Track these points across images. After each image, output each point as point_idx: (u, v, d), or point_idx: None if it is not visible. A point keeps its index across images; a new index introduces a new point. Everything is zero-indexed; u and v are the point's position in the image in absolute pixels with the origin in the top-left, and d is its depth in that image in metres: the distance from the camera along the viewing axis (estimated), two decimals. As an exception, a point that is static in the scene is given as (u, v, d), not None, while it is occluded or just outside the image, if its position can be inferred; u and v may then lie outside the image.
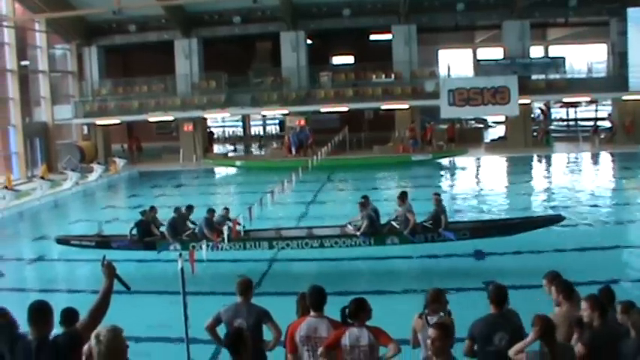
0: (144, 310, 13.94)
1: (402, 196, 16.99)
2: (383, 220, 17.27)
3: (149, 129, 53.15)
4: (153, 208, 18.57)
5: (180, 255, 9.76)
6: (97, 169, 36.94)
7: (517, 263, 16.08)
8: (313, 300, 7.22)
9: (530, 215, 20.38)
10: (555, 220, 17.88)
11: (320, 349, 6.97)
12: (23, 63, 40.78)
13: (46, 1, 39.62)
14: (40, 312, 5.88)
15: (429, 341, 6.07)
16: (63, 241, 18.88)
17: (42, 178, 32.85)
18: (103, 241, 18.30)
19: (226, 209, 18.55)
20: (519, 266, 15.62)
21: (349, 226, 17.23)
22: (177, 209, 18.09)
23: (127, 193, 35.70)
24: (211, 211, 17.68)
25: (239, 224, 17.62)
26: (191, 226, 18.05)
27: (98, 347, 5.09)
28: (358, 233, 16.73)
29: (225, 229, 17.11)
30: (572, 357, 6.47)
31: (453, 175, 36.46)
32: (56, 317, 6.57)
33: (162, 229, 17.80)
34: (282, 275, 16.52)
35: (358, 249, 16.91)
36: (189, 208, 18.56)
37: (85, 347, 5.58)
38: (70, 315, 7.28)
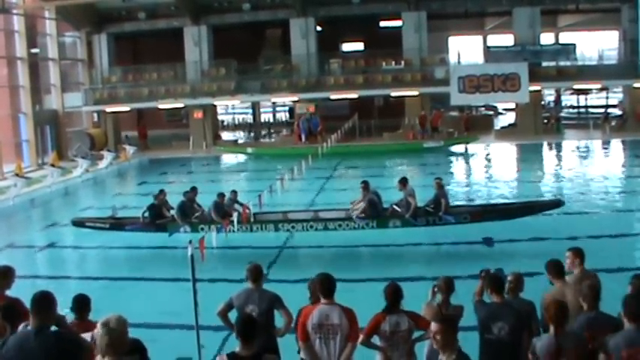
0: (154, 296, 14.02)
1: (403, 181, 17.37)
2: (385, 205, 17.46)
3: (159, 116, 53.14)
4: (162, 192, 19.05)
5: (190, 242, 9.77)
6: (107, 156, 37.01)
7: (526, 250, 16.05)
8: (323, 287, 7.22)
9: (530, 200, 20.41)
10: (555, 204, 18.08)
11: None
12: (33, 51, 40.79)
13: (55, -12, 39.67)
14: (41, 302, 5.87)
15: (432, 335, 6.10)
16: (78, 223, 19.59)
17: (52, 165, 32.93)
18: (117, 223, 18.84)
19: (234, 192, 18.75)
20: (529, 253, 15.58)
21: (351, 207, 17.43)
22: (185, 193, 18.37)
23: (137, 181, 35.78)
24: (221, 196, 17.91)
25: (249, 209, 17.73)
26: (198, 207, 18.29)
27: (107, 333, 5.12)
28: (353, 215, 16.92)
29: (235, 215, 17.23)
30: (579, 345, 6.40)
31: (463, 161, 36.38)
32: (66, 304, 6.61)
33: (173, 212, 18.07)
34: (293, 261, 16.57)
35: (365, 235, 16.99)
36: (194, 189, 18.86)
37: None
38: (82, 302, 7.27)
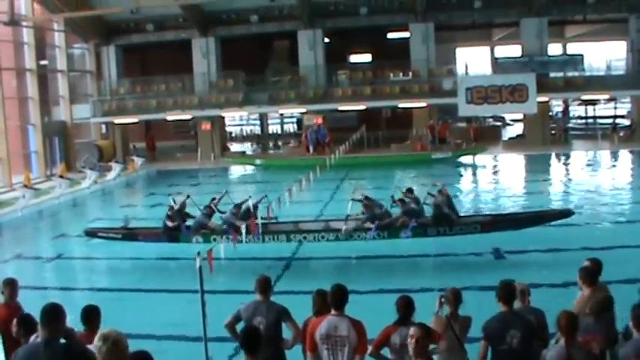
0: (162, 307, 14.02)
1: (403, 199, 17.28)
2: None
3: (167, 128, 53.27)
4: (187, 197, 19.05)
5: (199, 253, 9.77)
6: (116, 167, 37.06)
7: (536, 260, 16.01)
8: (336, 299, 7.19)
9: (540, 210, 20.38)
10: (564, 214, 18.06)
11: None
12: (42, 62, 40.95)
13: (64, 1, 39.80)
14: (50, 314, 5.88)
15: (410, 339, 6.15)
16: (91, 233, 19.79)
17: (61, 176, 32.97)
18: (130, 234, 18.83)
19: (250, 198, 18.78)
20: (539, 264, 15.55)
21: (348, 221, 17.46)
22: (205, 208, 18.28)
23: (145, 192, 35.80)
24: (237, 207, 17.89)
25: (257, 222, 17.70)
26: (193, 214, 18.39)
27: (106, 346, 5.15)
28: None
29: (243, 226, 17.23)
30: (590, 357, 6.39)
31: (472, 172, 36.32)
32: (76, 315, 6.61)
33: (189, 222, 18.09)
34: (301, 272, 16.55)
35: (375, 246, 16.97)
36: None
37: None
38: (91, 313, 7.25)
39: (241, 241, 17.24)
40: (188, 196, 19.26)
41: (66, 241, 22.65)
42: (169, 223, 18.08)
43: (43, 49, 41.43)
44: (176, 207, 18.40)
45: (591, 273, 7.98)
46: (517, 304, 7.48)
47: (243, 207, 18.05)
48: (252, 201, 18.34)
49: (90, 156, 41.77)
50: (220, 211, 18.47)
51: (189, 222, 18.34)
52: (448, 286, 8.39)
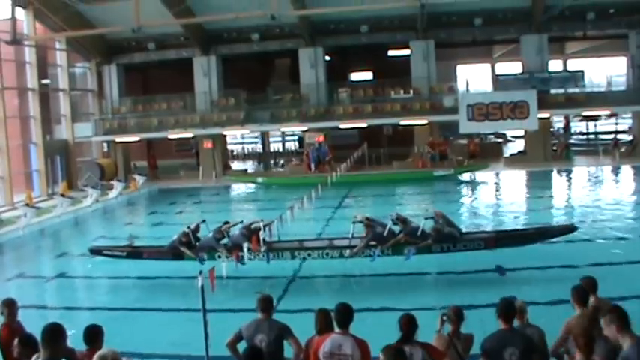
0: (165, 326, 13.99)
1: (402, 220, 17.24)
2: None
3: (169, 146, 53.37)
4: (203, 221, 18.84)
5: (200, 272, 9.76)
6: (117, 186, 37.04)
7: (539, 278, 15.97)
8: (341, 317, 7.22)
9: (544, 225, 20.35)
10: (568, 230, 17.97)
11: None
12: (44, 81, 41.01)
13: (66, 20, 40.00)
14: (51, 334, 5.88)
15: None
16: (96, 251, 19.65)
17: (62, 195, 33.00)
18: (135, 252, 18.76)
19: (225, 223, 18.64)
20: (541, 281, 15.52)
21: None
22: (216, 229, 18.14)
23: (147, 211, 35.78)
24: (247, 228, 17.78)
25: (259, 243, 17.60)
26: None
27: None
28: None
29: (245, 245, 17.17)
30: None
31: (474, 189, 36.28)
32: (78, 335, 6.59)
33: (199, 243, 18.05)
34: (303, 290, 16.51)
35: (377, 263, 16.93)
36: (227, 222, 18.66)
37: None
38: (94, 332, 7.23)
39: (243, 261, 17.19)
40: (203, 221, 19.20)
41: (68, 260, 22.63)
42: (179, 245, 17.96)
43: (45, 68, 41.52)
44: (189, 230, 18.29)
45: (580, 293, 7.98)
46: (515, 322, 7.48)
47: (253, 227, 17.96)
48: (263, 223, 18.26)
49: (91, 175, 41.88)
50: (227, 235, 18.28)
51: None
52: (450, 303, 8.39)
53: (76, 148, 44.14)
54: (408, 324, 7.07)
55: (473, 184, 37.32)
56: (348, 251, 17.16)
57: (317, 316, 7.75)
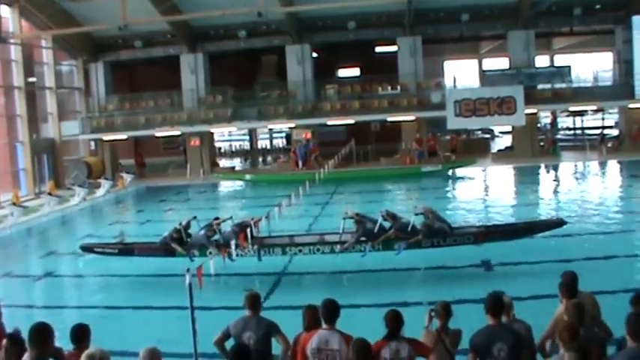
0: (153, 324, 13.95)
1: (392, 216, 17.21)
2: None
3: (156, 144, 53.27)
4: (195, 217, 18.89)
5: (188, 270, 9.74)
6: (105, 184, 36.94)
7: (526, 273, 16.00)
8: (327, 313, 7.25)
9: (533, 220, 20.40)
10: (557, 224, 18.01)
11: None
12: (30, 79, 40.87)
13: (52, 18, 39.86)
14: (39, 333, 5.85)
15: None
16: (87, 248, 19.62)
17: (49, 194, 32.86)
18: (126, 249, 18.74)
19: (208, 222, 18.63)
20: (528, 276, 15.55)
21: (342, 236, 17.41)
22: (206, 226, 18.10)
23: (135, 209, 35.68)
24: (238, 225, 17.76)
25: (246, 239, 17.56)
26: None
27: None
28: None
29: (232, 243, 17.15)
30: None
31: (462, 185, 36.32)
32: (65, 333, 6.56)
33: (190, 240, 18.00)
34: (292, 287, 16.50)
35: (365, 258, 16.93)
36: (217, 218, 18.63)
37: None
38: (81, 331, 7.18)
39: (232, 258, 17.17)
40: (194, 217, 19.18)
41: (55, 259, 22.54)
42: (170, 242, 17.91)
43: (31, 66, 41.36)
44: (180, 227, 18.25)
45: (568, 285, 8.01)
46: (502, 319, 7.49)
47: (243, 224, 17.94)
48: (252, 220, 18.23)
49: (79, 173, 41.74)
50: (219, 232, 18.24)
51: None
52: (439, 298, 8.39)
53: (62, 147, 44.01)
54: (394, 320, 7.05)
55: (460, 180, 37.32)
56: (338, 247, 17.18)
57: (304, 312, 7.76)
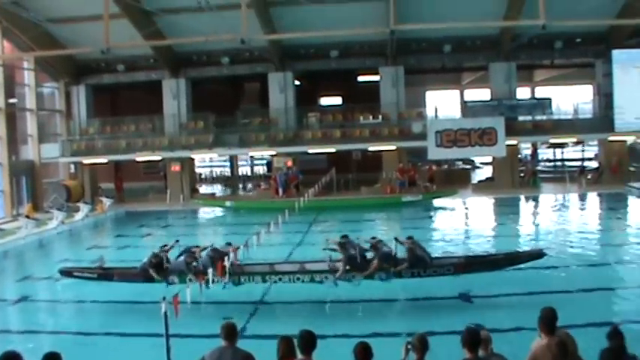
0: (128, 352, 13.80)
1: (376, 245, 17.16)
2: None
3: (136, 169, 53.07)
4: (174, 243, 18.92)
5: (164, 298, 9.65)
6: (84, 208, 36.74)
7: (504, 305, 15.98)
8: (304, 344, 7.19)
9: (512, 251, 20.43)
10: (537, 255, 18.01)
11: None
12: (11, 101, 40.74)
13: (35, 39, 39.74)
14: None
15: None
16: (66, 272, 19.40)
17: (27, 217, 32.64)
18: (105, 274, 18.54)
19: (229, 244, 18.62)
20: (507, 308, 15.54)
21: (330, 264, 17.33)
22: (187, 250, 18.04)
23: (114, 233, 35.41)
24: (215, 250, 17.71)
25: (224, 270, 17.46)
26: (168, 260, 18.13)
27: None
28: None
29: (210, 271, 17.07)
30: None
31: (442, 215, 36.32)
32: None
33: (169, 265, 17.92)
34: (269, 316, 16.38)
35: (343, 289, 16.87)
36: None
37: None
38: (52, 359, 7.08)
39: (208, 285, 17.04)
40: (177, 241, 19.10)
41: (31, 283, 22.31)
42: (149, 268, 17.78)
43: (12, 88, 41.23)
44: (159, 252, 18.13)
45: (547, 320, 7.97)
46: (480, 353, 7.44)
47: (221, 251, 17.86)
48: (231, 248, 18.16)
49: (57, 196, 41.50)
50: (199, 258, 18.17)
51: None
52: (417, 330, 8.33)
53: (42, 169, 43.74)
54: (363, 352, 6.99)
55: (442, 210, 37.30)
56: (330, 276, 17.07)
57: (278, 343, 7.68)
